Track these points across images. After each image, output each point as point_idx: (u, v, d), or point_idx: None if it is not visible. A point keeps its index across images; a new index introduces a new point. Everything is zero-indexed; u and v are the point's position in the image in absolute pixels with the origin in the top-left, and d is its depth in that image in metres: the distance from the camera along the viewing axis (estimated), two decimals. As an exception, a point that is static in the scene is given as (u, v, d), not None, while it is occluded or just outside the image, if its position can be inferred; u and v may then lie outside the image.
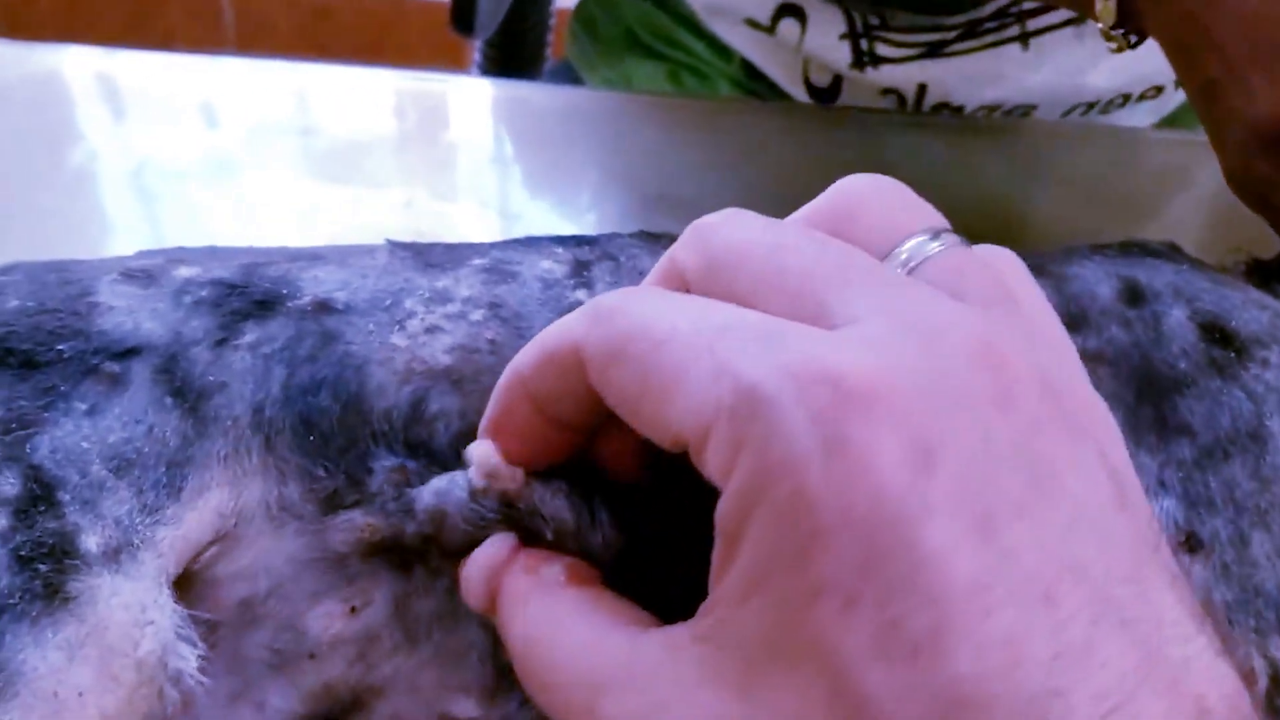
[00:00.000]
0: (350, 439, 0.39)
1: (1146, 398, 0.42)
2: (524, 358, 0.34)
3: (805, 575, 0.25)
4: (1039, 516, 0.26)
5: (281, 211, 0.70)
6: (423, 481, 0.39)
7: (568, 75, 0.99)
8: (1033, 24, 0.84)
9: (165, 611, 0.38)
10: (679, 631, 0.29)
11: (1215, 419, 0.41)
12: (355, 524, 0.39)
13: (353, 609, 0.39)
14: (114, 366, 0.40)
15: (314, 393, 0.40)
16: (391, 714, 0.41)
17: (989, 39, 0.84)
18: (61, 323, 0.41)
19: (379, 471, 0.39)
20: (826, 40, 0.84)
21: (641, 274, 0.42)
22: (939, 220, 0.33)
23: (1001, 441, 0.26)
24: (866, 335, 0.27)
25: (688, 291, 0.32)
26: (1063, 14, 0.82)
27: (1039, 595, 0.25)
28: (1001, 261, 0.32)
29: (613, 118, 0.74)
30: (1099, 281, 0.44)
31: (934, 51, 0.84)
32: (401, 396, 0.40)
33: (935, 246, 0.31)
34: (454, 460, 0.39)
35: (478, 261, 0.44)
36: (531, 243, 0.46)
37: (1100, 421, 0.30)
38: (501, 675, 0.40)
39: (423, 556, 0.39)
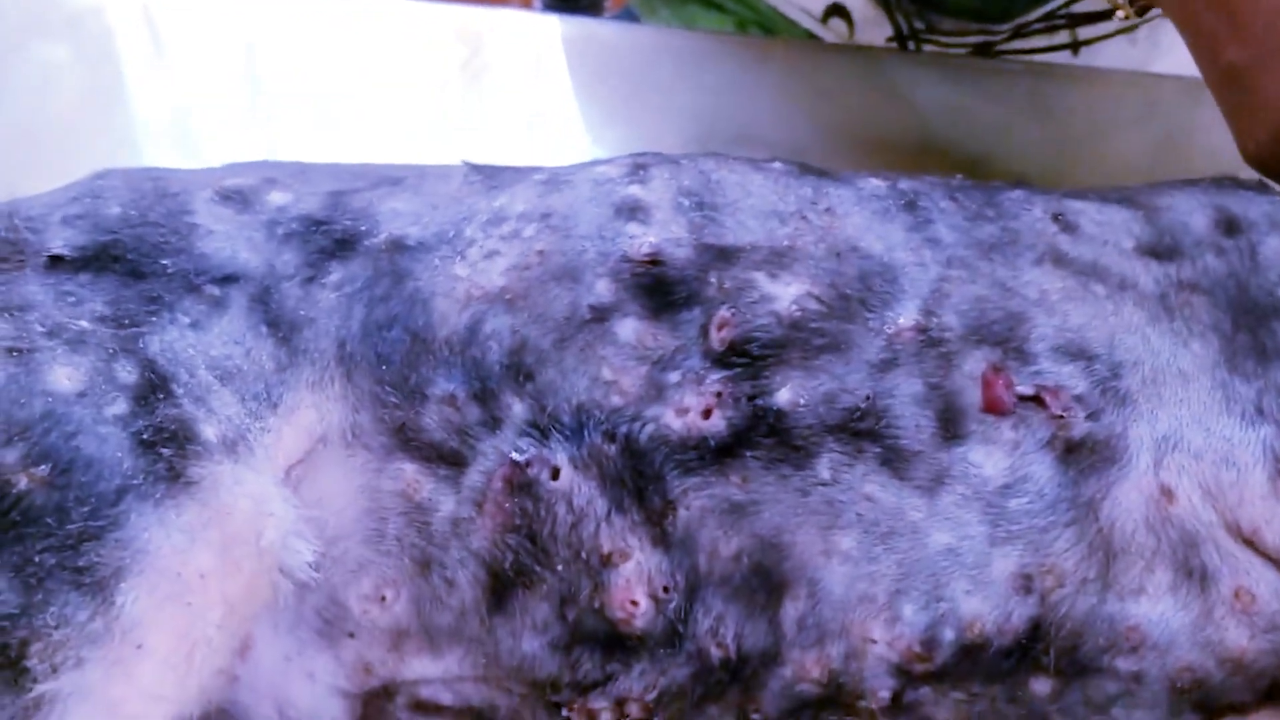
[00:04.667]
0: (414, 365, 0.42)
1: (1243, 325, 0.42)
2: None
3: None
4: None
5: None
6: (467, 413, 0.41)
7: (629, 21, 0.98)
8: (1084, 33, 0.84)
9: (285, 505, 0.40)
10: None
11: None
12: (405, 475, 0.41)
13: (383, 598, 0.41)
14: (215, 290, 0.42)
15: (388, 328, 0.42)
16: (437, 690, 0.43)
17: (1038, 41, 0.84)
18: (164, 239, 0.43)
19: (431, 399, 0.41)
20: (874, 43, 0.84)
21: (703, 173, 0.45)
22: None
23: None
24: None
25: None
26: (1115, 23, 0.82)
27: None
28: None
29: (678, 57, 0.74)
30: (1192, 212, 0.45)
31: (982, 52, 0.85)
32: (460, 322, 0.42)
33: None
34: (500, 377, 0.41)
35: (538, 177, 0.46)
36: (595, 161, 0.48)
37: None
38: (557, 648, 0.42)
39: (444, 551, 0.41)
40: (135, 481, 0.37)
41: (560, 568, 0.40)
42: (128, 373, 0.39)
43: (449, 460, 0.41)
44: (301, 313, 0.42)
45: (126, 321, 0.41)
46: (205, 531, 0.38)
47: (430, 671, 0.43)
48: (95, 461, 0.37)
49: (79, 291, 0.41)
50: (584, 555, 0.40)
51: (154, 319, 0.41)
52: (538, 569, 0.41)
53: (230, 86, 0.71)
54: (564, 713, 0.43)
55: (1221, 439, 0.40)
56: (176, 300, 0.42)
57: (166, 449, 0.38)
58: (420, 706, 0.44)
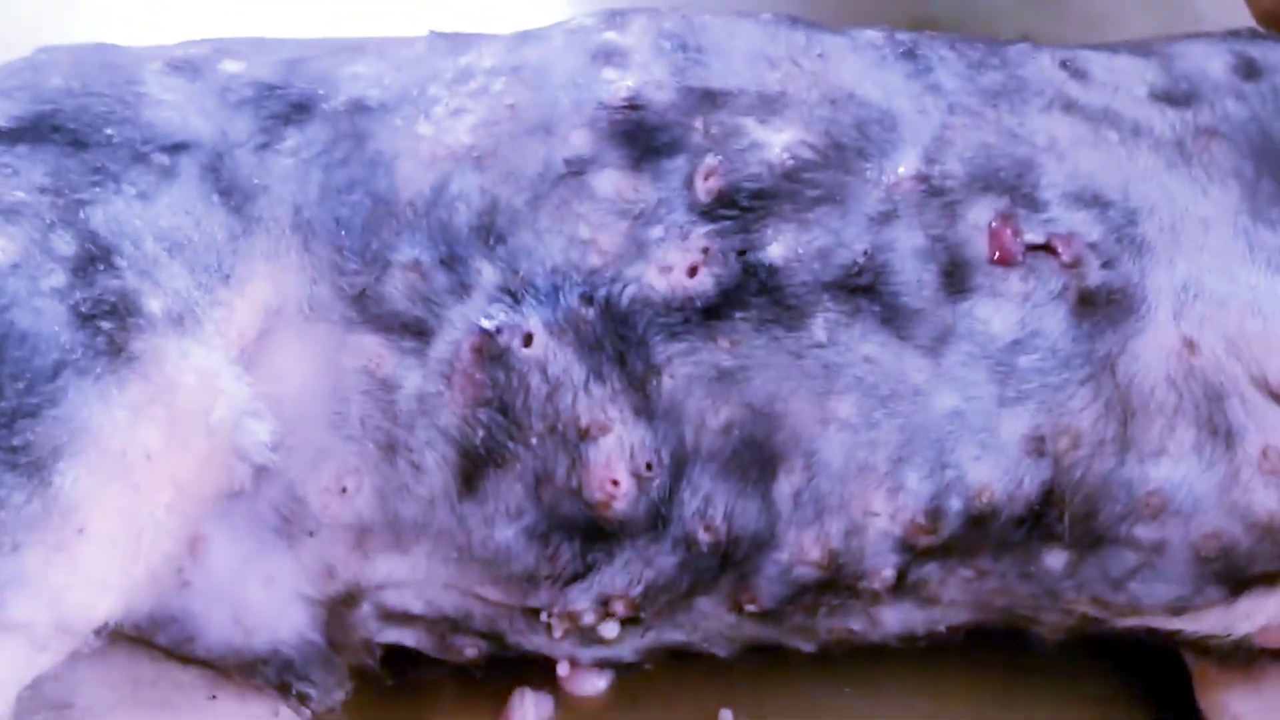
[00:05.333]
0: (376, 231, 0.39)
1: (1266, 171, 0.40)
2: None
3: None
4: None
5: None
6: (433, 279, 0.39)
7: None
8: None
9: (237, 382, 0.38)
10: None
11: None
12: (366, 349, 0.39)
13: (344, 489, 0.39)
14: (163, 159, 0.40)
15: (347, 192, 0.40)
16: (406, 596, 0.41)
17: None
18: (109, 108, 0.41)
19: (395, 266, 0.39)
20: None
21: (685, 18, 0.42)
22: None
23: None
24: None
25: None
26: None
27: None
28: None
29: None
30: (1210, 58, 0.42)
31: None
32: (425, 183, 0.40)
33: None
34: (469, 240, 0.39)
35: (507, 36, 0.44)
36: (568, 18, 0.45)
37: None
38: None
39: (409, 432, 0.39)
40: (74, 356, 0.35)
41: (535, 443, 0.38)
42: (66, 244, 0.37)
43: (414, 331, 0.39)
44: (255, 180, 0.40)
45: (67, 192, 0.38)
46: (150, 408, 0.35)
47: (397, 572, 0.40)
48: (30, 335, 0.35)
49: (16, 163, 0.38)
50: (560, 428, 0.38)
51: (98, 189, 0.38)
52: (511, 445, 0.38)
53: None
54: (543, 618, 0.41)
55: (1246, 287, 0.38)
56: (123, 170, 0.39)
57: (106, 322, 0.36)
58: (390, 616, 0.42)
